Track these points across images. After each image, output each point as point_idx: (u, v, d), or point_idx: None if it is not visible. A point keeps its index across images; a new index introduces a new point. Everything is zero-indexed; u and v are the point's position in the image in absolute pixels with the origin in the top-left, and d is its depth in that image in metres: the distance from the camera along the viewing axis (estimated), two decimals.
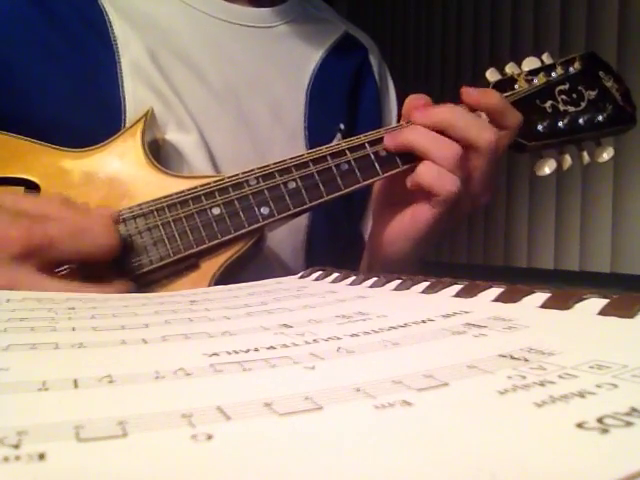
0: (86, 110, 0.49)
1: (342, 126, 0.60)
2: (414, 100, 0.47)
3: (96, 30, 0.51)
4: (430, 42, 1.92)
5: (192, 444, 0.10)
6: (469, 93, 0.47)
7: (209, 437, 0.10)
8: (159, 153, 0.49)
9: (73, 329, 0.20)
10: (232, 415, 0.11)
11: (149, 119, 0.47)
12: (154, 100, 0.50)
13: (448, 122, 0.44)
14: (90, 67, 0.50)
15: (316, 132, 0.58)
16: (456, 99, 0.50)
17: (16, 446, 0.09)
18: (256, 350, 0.16)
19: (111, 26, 0.51)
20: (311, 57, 0.61)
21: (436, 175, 0.43)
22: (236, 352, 0.16)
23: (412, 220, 0.46)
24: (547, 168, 0.52)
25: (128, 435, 0.10)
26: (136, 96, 0.50)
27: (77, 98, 0.50)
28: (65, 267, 0.37)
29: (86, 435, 0.10)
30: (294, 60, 0.60)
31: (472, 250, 1.76)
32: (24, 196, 0.38)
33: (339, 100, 0.62)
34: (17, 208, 0.36)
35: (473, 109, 0.47)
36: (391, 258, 0.49)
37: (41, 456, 0.09)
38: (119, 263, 0.40)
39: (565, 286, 0.21)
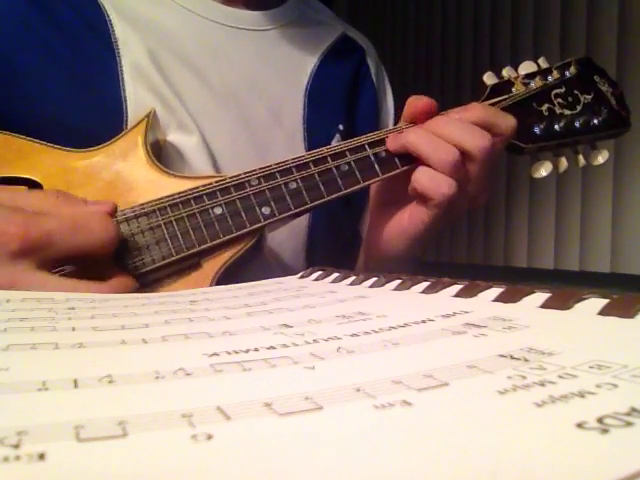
0: (87, 111, 0.49)
1: (341, 127, 0.60)
2: (416, 101, 0.47)
3: (97, 31, 0.51)
4: (430, 42, 1.92)
5: (192, 444, 0.10)
6: (454, 114, 0.47)
7: (209, 437, 0.10)
8: (160, 154, 0.49)
9: (73, 329, 0.20)
10: (232, 415, 0.11)
11: (151, 120, 0.47)
12: (155, 101, 0.50)
13: (443, 131, 0.45)
14: (91, 68, 0.50)
15: (315, 133, 0.58)
16: (456, 100, 0.50)
17: (16, 446, 0.09)
18: (256, 350, 0.16)
19: (112, 27, 0.51)
20: (309, 59, 0.61)
21: (431, 179, 0.44)
22: (236, 352, 0.16)
23: (410, 219, 0.47)
24: (543, 170, 0.52)
25: (128, 435, 0.10)
26: (137, 97, 0.50)
27: (78, 99, 0.50)
28: (64, 268, 0.37)
29: (86, 435, 0.10)
30: (292, 62, 0.60)
31: (472, 250, 1.76)
32: (20, 192, 0.38)
33: (337, 101, 0.62)
34: (14, 204, 0.36)
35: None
36: (388, 256, 0.50)
37: (41, 456, 0.09)
38: (121, 262, 0.40)
39: (565, 286, 0.21)
